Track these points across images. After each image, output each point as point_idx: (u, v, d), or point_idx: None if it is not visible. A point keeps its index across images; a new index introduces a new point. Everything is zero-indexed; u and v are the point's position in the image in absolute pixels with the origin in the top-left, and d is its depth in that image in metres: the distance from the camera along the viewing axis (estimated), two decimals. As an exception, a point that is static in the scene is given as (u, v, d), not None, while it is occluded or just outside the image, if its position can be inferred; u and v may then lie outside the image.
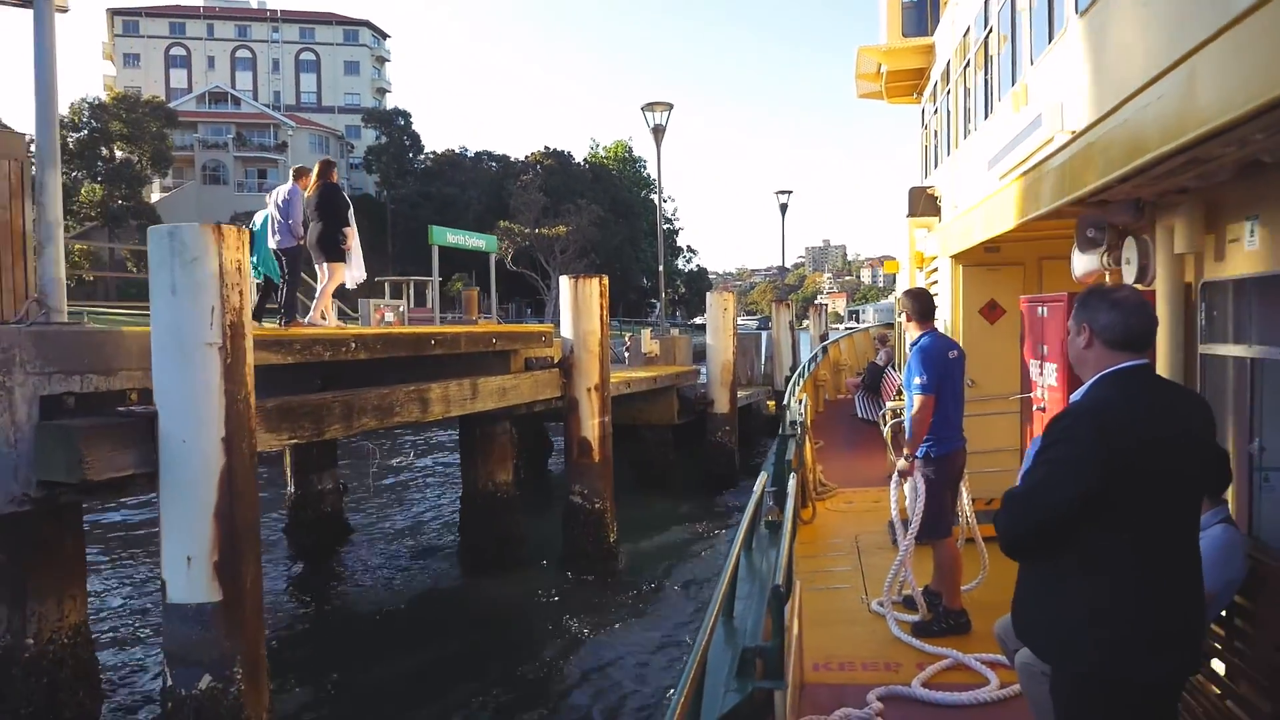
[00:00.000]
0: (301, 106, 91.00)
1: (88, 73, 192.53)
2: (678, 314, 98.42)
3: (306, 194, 10.69)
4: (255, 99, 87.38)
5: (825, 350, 21.09)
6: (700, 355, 21.45)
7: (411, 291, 55.20)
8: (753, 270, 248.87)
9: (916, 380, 5.28)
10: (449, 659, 8.57)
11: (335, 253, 10.44)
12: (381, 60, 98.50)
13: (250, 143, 78.31)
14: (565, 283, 10.69)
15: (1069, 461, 2.43)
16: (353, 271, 11.19)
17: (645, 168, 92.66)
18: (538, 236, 63.07)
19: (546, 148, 77.20)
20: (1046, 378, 5.59)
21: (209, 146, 77.43)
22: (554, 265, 66.56)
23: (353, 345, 7.23)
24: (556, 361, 10.85)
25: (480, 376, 9.38)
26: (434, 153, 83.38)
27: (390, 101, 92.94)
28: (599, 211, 67.39)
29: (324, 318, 11.00)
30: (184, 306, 5.28)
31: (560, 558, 10.86)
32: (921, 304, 5.57)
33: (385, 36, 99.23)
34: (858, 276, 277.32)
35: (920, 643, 5.14)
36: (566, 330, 10.72)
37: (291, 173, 11.16)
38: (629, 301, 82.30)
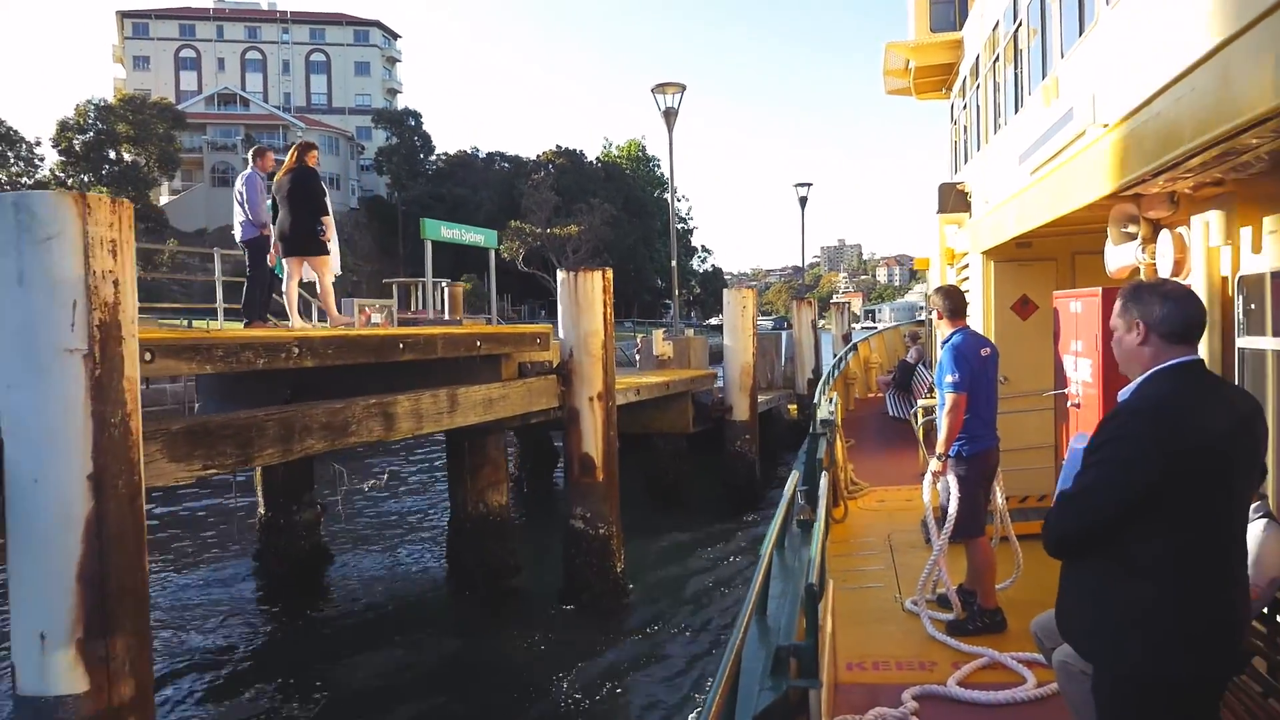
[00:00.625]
0: (312, 108, 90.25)
1: (98, 76, 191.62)
2: (693, 314, 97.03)
3: (277, 177, 9.58)
4: (265, 101, 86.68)
5: (855, 348, 20.39)
6: (716, 356, 20.19)
7: (421, 293, 53.95)
8: (768, 270, 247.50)
9: (948, 379, 5.18)
10: (431, 707, 7.33)
11: (316, 245, 9.32)
12: (392, 61, 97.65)
13: (259, 144, 77.45)
14: (563, 277, 9.35)
15: (1123, 462, 2.37)
16: (332, 262, 10.15)
17: (659, 166, 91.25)
18: (549, 236, 61.81)
19: (558, 146, 76.00)
20: (1081, 374, 5.48)
21: (218, 148, 76.63)
22: (566, 265, 65.32)
23: (295, 350, 5.90)
24: (555, 367, 9.51)
25: (466, 385, 8.08)
26: (446, 154, 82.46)
27: (401, 102, 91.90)
28: (612, 211, 66.11)
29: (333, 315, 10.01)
30: (36, 301, 3.95)
31: (561, 590, 9.52)
32: (953, 301, 5.44)
33: (396, 37, 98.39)
34: (874, 276, 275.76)
35: (955, 641, 5.07)
36: (565, 331, 9.37)
37: (250, 155, 9.95)
38: (643, 303, 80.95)
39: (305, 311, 12.26)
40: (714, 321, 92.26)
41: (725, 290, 15.13)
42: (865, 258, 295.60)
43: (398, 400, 6.72)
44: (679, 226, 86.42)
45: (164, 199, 73.27)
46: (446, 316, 11.31)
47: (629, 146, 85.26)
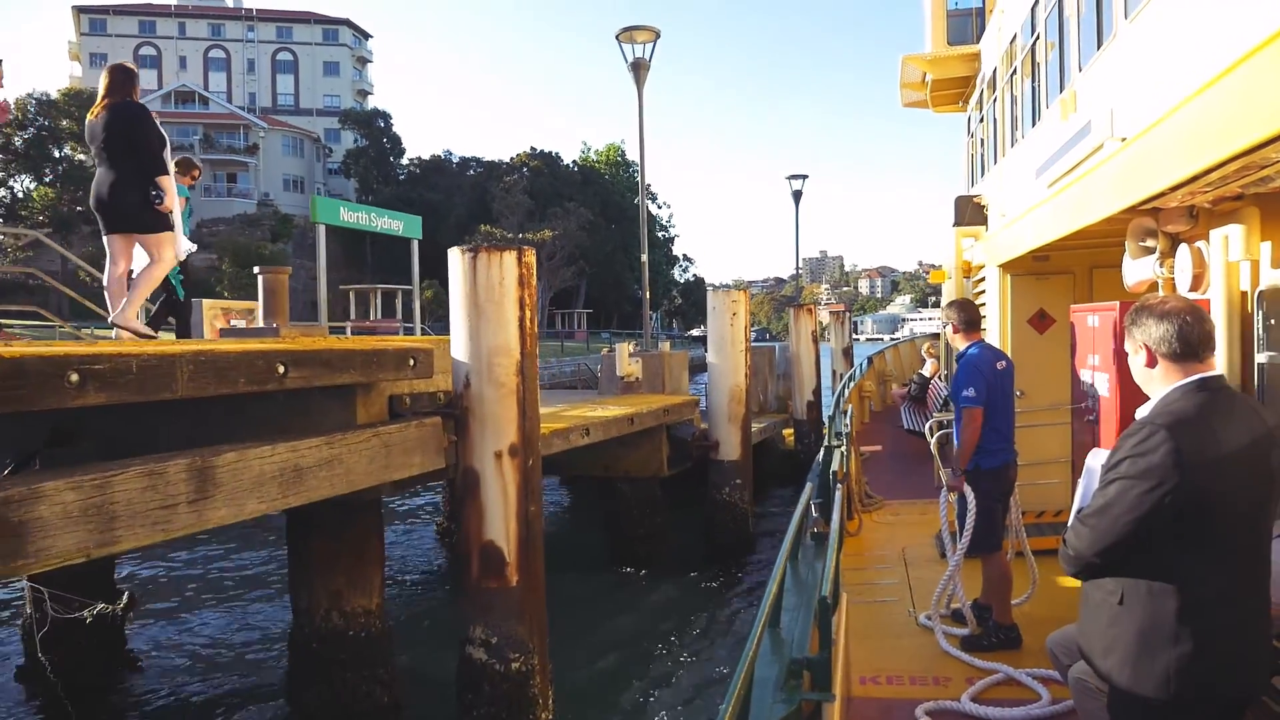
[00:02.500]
0: (278, 109, 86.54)
1: (54, 75, 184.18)
2: (674, 325, 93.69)
3: (89, 118, 6.77)
4: (229, 101, 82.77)
5: (870, 361, 19.58)
6: (699, 368, 16.89)
7: (379, 301, 49.97)
8: (750, 281, 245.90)
9: (964, 393, 5.12)
10: None
11: (150, 218, 6.71)
12: (363, 61, 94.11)
13: (219, 145, 73.56)
14: (456, 260, 5.89)
15: (1143, 477, 2.34)
16: (178, 243, 7.18)
17: (639, 171, 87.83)
18: (522, 242, 58.24)
19: (533, 148, 72.49)
20: (1098, 388, 5.28)
21: (174, 149, 72.17)
22: (540, 273, 61.71)
23: None
24: (444, 404, 6.08)
25: (300, 433, 4.67)
26: (420, 158, 78.95)
27: (372, 105, 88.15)
28: (589, 215, 62.61)
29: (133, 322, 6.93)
30: None
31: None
32: (967, 314, 5.42)
33: (367, 36, 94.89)
34: (855, 287, 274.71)
35: (970, 657, 4.95)
36: (457, 348, 5.93)
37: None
38: (624, 313, 77.47)
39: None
40: (696, 332, 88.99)
41: (710, 291, 11.76)
42: (847, 269, 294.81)
43: (44, 493, 3.24)
44: (660, 234, 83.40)
45: (117, 201, 69.40)
46: (261, 324, 7.90)
47: (608, 151, 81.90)
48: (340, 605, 6.34)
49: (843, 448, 7.76)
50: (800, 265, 27.69)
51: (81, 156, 60.03)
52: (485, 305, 5.77)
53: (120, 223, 6.83)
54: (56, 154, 58.80)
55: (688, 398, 11.72)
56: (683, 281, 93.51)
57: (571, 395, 13.01)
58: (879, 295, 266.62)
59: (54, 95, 58.30)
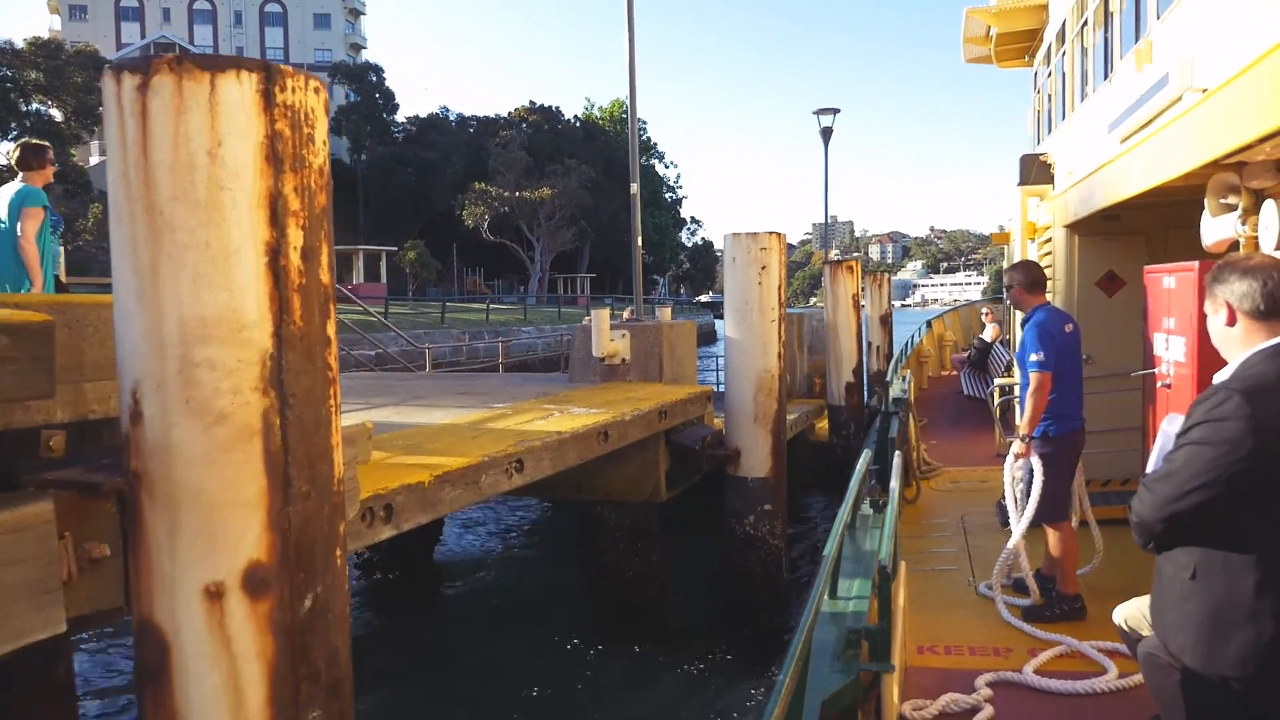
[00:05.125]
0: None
1: (33, 29, 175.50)
2: (682, 291, 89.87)
3: None
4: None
5: (929, 325, 19.49)
6: (707, 338, 13.36)
7: (361, 264, 46.15)
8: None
9: (1033, 357, 4.96)
10: None
11: None
12: (355, 13, 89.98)
13: (201, 100, 69.59)
14: (109, 98, 2.36)
15: (1216, 444, 2.21)
16: None
17: (645, 128, 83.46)
18: (519, 200, 54.35)
19: (532, 103, 68.20)
20: (1173, 353, 5.14)
21: (150, 105, 68.70)
22: (538, 234, 57.84)
23: None
24: (87, 469, 2.56)
25: None
26: (416, 116, 75.02)
27: (365, 59, 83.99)
28: (591, 173, 58.54)
29: None
30: None
31: None
32: (1031, 275, 5.26)
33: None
34: (866, 253, 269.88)
35: (1032, 628, 4.81)
36: (121, 319, 2.37)
37: None
38: (629, 277, 73.68)
39: None
40: (705, 298, 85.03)
41: (728, 237, 8.20)
42: (857, 235, 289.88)
43: None
44: (667, 195, 79.29)
45: (94, 159, 65.82)
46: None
47: (613, 106, 77.57)
48: None
49: (900, 414, 7.73)
50: (809, 231, 24.13)
51: (54, 111, 56.53)
52: (171, 211, 2.23)
53: None
54: (23, 108, 55.14)
55: (695, 389, 8.15)
56: (690, 245, 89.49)
57: (529, 383, 9.39)
58: (890, 261, 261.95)
59: (19, 44, 54.52)
